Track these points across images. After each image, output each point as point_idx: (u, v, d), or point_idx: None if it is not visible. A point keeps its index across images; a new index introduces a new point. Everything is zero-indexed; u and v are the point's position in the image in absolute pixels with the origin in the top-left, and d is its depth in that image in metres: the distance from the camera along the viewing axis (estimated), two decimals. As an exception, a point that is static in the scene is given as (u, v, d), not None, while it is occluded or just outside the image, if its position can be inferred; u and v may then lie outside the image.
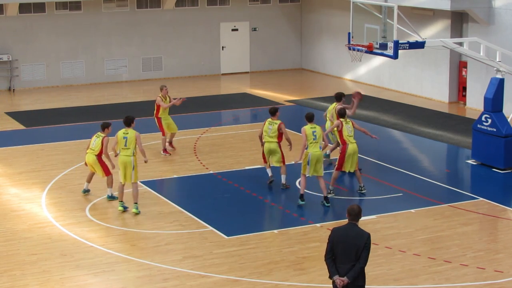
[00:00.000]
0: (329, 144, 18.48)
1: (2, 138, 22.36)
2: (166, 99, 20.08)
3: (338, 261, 9.79)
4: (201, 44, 32.41)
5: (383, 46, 18.69)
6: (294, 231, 14.88)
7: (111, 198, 16.55)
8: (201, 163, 19.56)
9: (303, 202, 16.11)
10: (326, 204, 16.15)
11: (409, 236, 14.65)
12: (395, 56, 18.49)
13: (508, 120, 19.14)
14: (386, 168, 19.13)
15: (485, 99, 19.08)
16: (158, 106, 20.02)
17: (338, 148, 17.86)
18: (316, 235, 14.71)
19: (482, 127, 19.10)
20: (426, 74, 27.69)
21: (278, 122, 17.17)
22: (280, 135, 17.18)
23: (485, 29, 24.65)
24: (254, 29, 33.30)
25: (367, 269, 9.86)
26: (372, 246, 9.94)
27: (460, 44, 20.01)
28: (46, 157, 20.28)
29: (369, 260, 9.81)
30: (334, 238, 9.82)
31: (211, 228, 15.04)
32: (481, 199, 16.77)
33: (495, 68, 19.16)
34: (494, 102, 18.88)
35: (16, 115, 25.29)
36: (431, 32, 26.60)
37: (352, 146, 16.59)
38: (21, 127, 23.85)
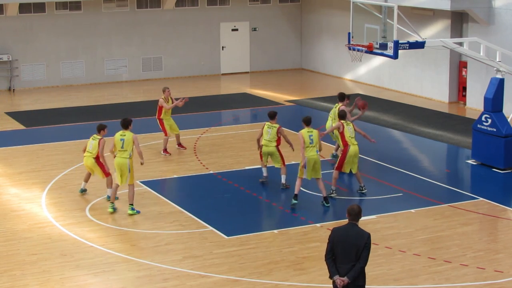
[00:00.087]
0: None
1: (2, 138, 22.37)
2: (168, 101, 20.09)
3: (338, 261, 9.79)
4: (201, 44, 32.42)
5: (383, 46, 18.70)
6: (294, 231, 14.88)
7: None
8: (201, 163, 19.56)
9: (295, 201, 16.12)
10: (326, 204, 16.16)
11: (409, 236, 14.65)
12: (395, 56, 18.50)
13: (508, 120, 19.14)
14: (386, 168, 19.14)
15: (485, 99, 19.08)
16: (160, 108, 20.02)
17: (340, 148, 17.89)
18: (316, 235, 14.71)
19: (482, 127, 19.10)
20: (426, 74, 27.69)
21: (277, 126, 17.27)
22: (278, 139, 17.30)
23: (485, 29, 24.65)
24: (254, 29, 33.30)
25: (367, 269, 9.86)
26: (372, 246, 9.93)
27: (460, 44, 20.01)
28: (46, 157, 20.28)
29: (369, 260, 9.81)
30: (334, 238, 9.82)
31: (211, 228, 15.04)
32: (481, 199, 16.77)
33: (495, 68, 19.16)
34: (494, 102, 18.88)
35: (16, 115, 25.29)
36: (431, 32, 26.60)
37: (353, 148, 16.60)
38: (21, 127, 23.85)
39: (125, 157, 15.67)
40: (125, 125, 15.94)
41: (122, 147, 15.71)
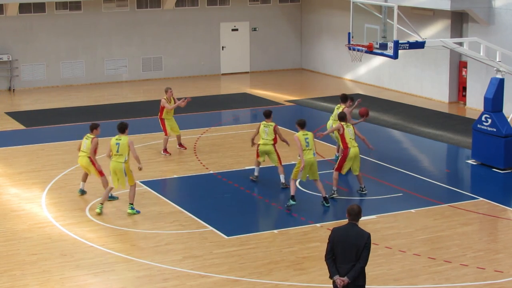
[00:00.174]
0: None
1: (2, 138, 22.37)
2: (171, 101, 20.08)
3: (338, 261, 9.79)
4: (201, 44, 32.41)
5: (383, 46, 18.70)
6: (294, 231, 14.88)
7: (111, 198, 16.54)
8: (201, 163, 19.56)
9: (294, 202, 16.09)
10: (326, 204, 16.16)
11: (409, 236, 14.65)
12: (395, 56, 18.49)
13: (508, 120, 19.14)
14: (386, 168, 19.13)
15: (485, 99, 19.07)
16: (162, 108, 20.01)
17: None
18: (316, 235, 14.71)
19: (482, 127, 19.10)
20: (426, 74, 27.68)
21: (273, 124, 17.45)
22: (275, 137, 17.40)
23: (485, 29, 24.65)
24: (254, 29, 33.30)
25: (367, 269, 9.86)
26: (372, 246, 9.93)
27: (460, 44, 20.01)
28: (46, 157, 20.28)
29: (369, 260, 9.81)
30: (334, 238, 9.82)
31: (211, 228, 15.04)
32: (481, 199, 16.77)
33: (495, 68, 19.15)
34: (494, 102, 18.88)
35: (16, 115, 25.29)
36: (431, 32, 26.60)
37: (353, 150, 16.58)
38: (21, 127, 23.85)
39: (120, 162, 15.57)
40: (122, 129, 15.80)
41: (117, 151, 15.57)
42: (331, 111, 21.24)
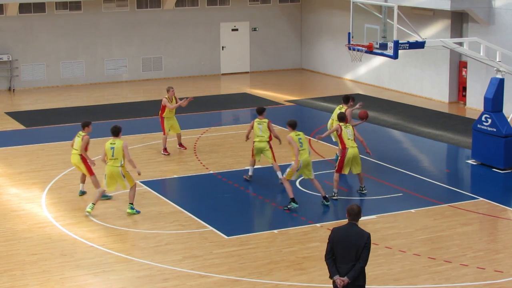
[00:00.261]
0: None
1: (2, 138, 22.37)
2: (172, 101, 20.07)
3: (338, 261, 9.79)
4: (201, 44, 32.42)
5: (383, 46, 18.70)
6: (294, 231, 14.88)
7: (105, 197, 16.48)
8: (201, 163, 19.56)
9: (296, 205, 16.03)
10: (326, 203, 16.15)
11: (409, 236, 14.65)
12: (395, 56, 18.49)
13: (508, 120, 19.14)
14: (386, 168, 19.13)
15: (485, 99, 19.07)
16: (164, 107, 20.01)
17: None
18: (316, 235, 14.71)
19: (482, 127, 19.10)
20: (426, 74, 27.69)
21: (267, 120, 17.54)
22: (270, 134, 17.45)
23: (485, 29, 24.65)
24: (254, 29, 33.30)
25: (367, 269, 9.86)
26: (372, 246, 9.93)
27: (460, 44, 20.01)
28: (46, 157, 20.28)
29: (369, 260, 9.81)
30: (334, 238, 9.82)
31: (211, 228, 15.04)
32: (481, 199, 16.76)
33: (495, 68, 19.15)
34: (494, 102, 18.88)
35: (16, 115, 25.29)
36: (431, 32, 26.60)
37: (352, 150, 16.54)
38: (21, 127, 23.85)
39: (116, 166, 15.49)
40: (116, 132, 15.66)
41: (112, 155, 15.47)
42: (331, 111, 21.24)
